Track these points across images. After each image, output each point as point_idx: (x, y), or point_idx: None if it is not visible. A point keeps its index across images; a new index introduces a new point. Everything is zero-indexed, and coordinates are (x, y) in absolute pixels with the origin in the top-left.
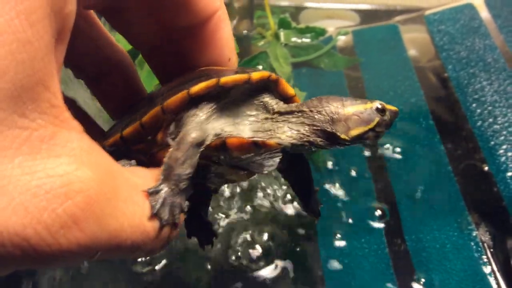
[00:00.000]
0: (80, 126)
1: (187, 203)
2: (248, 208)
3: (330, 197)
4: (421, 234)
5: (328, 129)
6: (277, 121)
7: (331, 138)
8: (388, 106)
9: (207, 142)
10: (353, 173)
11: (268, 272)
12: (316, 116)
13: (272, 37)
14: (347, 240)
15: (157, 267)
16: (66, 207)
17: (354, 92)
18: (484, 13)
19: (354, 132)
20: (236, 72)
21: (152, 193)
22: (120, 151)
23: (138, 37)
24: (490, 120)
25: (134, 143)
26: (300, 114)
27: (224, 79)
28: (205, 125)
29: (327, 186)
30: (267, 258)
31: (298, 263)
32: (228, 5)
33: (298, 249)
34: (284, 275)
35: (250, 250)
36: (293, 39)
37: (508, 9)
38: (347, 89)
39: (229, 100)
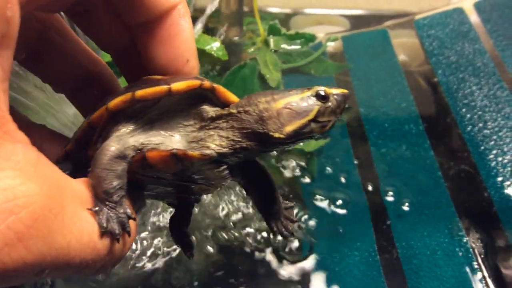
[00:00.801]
0: (26, 138)
1: (141, 205)
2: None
3: (319, 205)
4: (411, 241)
5: (259, 130)
6: (209, 129)
7: (265, 140)
8: (332, 90)
9: (130, 154)
10: (343, 179)
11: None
12: (244, 117)
13: (262, 44)
14: (337, 248)
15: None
16: (10, 223)
17: None
18: (474, 18)
19: (289, 127)
20: (157, 84)
21: (96, 211)
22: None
23: (104, 39)
24: (480, 125)
25: (78, 158)
26: (229, 118)
27: (139, 93)
28: (127, 138)
29: (316, 193)
30: (254, 267)
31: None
32: (217, 12)
33: (287, 256)
34: (272, 284)
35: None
36: (283, 45)
37: (497, 13)
38: None
39: (160, 111)
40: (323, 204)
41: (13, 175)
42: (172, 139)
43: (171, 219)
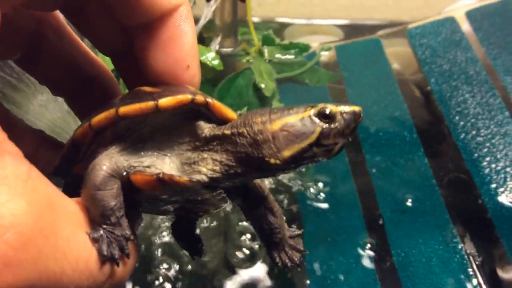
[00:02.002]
0: (17, 150)
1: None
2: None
3: (315, 213)
4: (407, 248)
5: (254, 155)
6: (203, 150)
7: (260, 165)
8: (340, 107)
9: (123, 172)
10: (337, 187)
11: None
12: (238, 140)
13: (256, 54)
14: (333, 256)
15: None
16: None
17: None
18: (465, 26)
19: (286, 153)
20: (142, 99)
21: (94, 238)
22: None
23: (101, 39)
24: (473, 132)
25: (67, 174)
26: (224, 140)
27: (122, 110)
28: (117, 156)
29: (313, 201)
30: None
31: (284, 278)
32: (211, 22)
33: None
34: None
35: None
36: (277, 55)
37: (488, 22)
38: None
39: (152, 128)
40: (318, 211)
41: None
42: (164, 160)
43: (173, 225)
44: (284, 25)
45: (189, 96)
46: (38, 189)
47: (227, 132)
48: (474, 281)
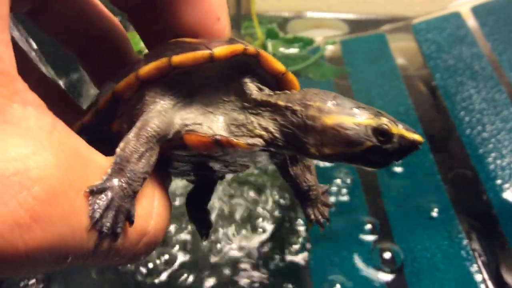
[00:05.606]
0: (40, 100)
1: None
2: (237, 216)
3: None
4: (411, 243)
5: (299, 136)
6: (251, 113)
7: (301, 148)
8: (402, 130)
9: (169, 136)
10: (343, 182)
11: (257, 282)
12: (289, 115)
13: (260, 47)
14: (337, 251)
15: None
16: (22, 200)
17: None
18: (471, 22)
19: (328, 150)
20: (196, 48)
21: (96, 191)
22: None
23: None
24: (479, 128)
25: (95, 132)
26: (275, 109)
27: (177, 58)
28: (169, 114)
29: None
30: (257, 267)
31: (288, 273)
32: None
33: (288, 259)
34: (273, 287)
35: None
36: (281, 49)
37: (494, 17)
38: None
39: (199, 82)
40: None
41: (23, 143)
42: (212, 119)
43: (190, 194)
44: (287, 19)
45: (241, 46)
46: (65, 142)
47: (281, 103)
48: (479, 277)
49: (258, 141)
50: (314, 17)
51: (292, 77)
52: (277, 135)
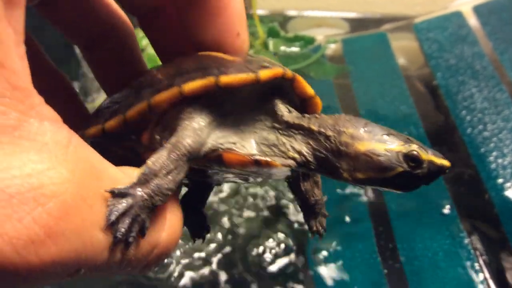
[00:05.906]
0: (56, 114)
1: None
2: (239, 218)
3: None
4: (413, 242)
5: (332, 161)
6: (283, 134)
7: (333, 172)
8: (431, 156)
9: (200, 156)
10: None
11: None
12: (322, 141)
13: (261, 46)
14: (339, 250)
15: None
16: (36, 216)
17: (344, 101)
18: (472, 21)
19: (361, 175)
20: (241, 69)
21: (118, 194)
22: (105, 143)
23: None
24: (480, 127)
25: (117, 139)
26: (308, 133)
27: (225, 79)
28: (204, 132)
29: None
30: (258, 268)
31: (289, 270)
32: None
33: (289, 256)
34: (274, 284)
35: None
36: (282, 47)
37: (496, 16)
38: (337, 97)
39: (233, 101)
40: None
41: (39, 158)
42: (244, 137)
43: (184, 197)
44: (288, 18)
45: (281, 70)
46: (80, 156)
47: (314, 128)
48: (481, 276)
49: (291, 163)
50: (315, 16)
51: (318, 101)
52: (310, 158)
